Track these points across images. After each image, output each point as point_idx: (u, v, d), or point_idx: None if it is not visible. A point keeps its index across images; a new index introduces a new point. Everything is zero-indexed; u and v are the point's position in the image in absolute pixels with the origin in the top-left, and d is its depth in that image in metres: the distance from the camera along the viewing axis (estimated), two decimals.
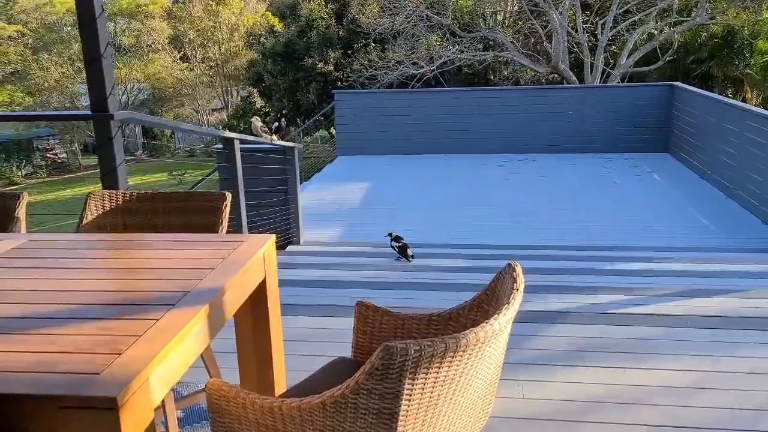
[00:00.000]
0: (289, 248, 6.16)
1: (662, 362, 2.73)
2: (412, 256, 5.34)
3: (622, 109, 11.30)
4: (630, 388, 2.52)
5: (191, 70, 33.37)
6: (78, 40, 31.58)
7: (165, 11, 34.72)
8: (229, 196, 2.23)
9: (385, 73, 15.14)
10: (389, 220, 7.51)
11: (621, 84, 14.85)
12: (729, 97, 14.24)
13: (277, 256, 5.53)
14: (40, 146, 29.77)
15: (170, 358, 1.29)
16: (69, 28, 33.25)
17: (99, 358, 1.22)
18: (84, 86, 32.43)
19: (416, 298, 3.86)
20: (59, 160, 29.30)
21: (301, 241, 6.41)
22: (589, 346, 2.90)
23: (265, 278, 1.92)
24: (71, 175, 28.40)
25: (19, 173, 27.85)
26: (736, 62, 14.59)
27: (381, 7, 16.04)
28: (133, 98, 33.12)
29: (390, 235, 5.48)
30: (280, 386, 2.10)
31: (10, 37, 34.63)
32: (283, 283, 4.23)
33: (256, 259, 1.83)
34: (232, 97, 33.40)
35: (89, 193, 2.25)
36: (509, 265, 1.48)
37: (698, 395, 2.47)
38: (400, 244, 5.36)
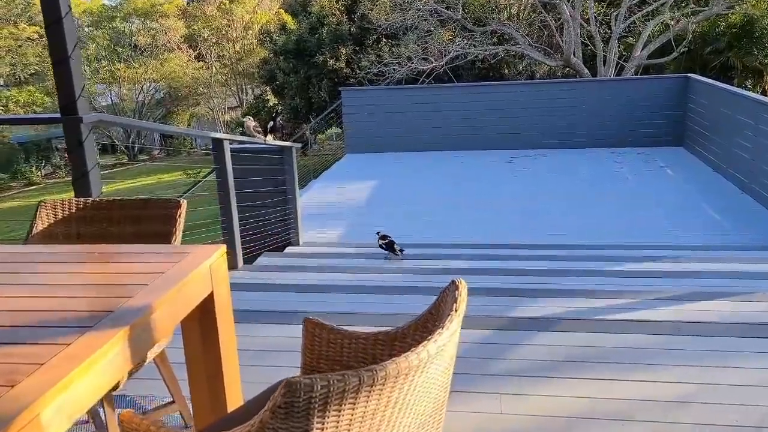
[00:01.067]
0: (288, 249, 6.08)
1: (653, 373, 2.57)
2: (401, 250, 5.38)
3: (636, 102, 11.04)
4: (615, 403, 2.37)
5: (206, 68, 33.51)
6: (94, 41, 31.89)
7: (180, 10, 34.93)
8: (184, 203, 2.13)
9: (394, 69, 14.99)
10: (395, 218, 7.41)
11: (634, 76, 14.53)
12: (748, 88, 13.88)
13: (274, 258, 5.45)
14: (59, 146, 30.05)
15: (74, 389, 1.19)
16: (87, 29, 33.59)
17: None
18: (101, 86, 32.79)
19: (401, 303, 3.73)
20: None
21: (301, 242, 6.32)
22: (577, 356, 2.76)
23: (212, 291, 1.81)
24: None
25: (39, 173, 28.18)
26: (756, 52, 14.20)
27: (391, 3, 15.89)
28: (149, 98, 33.37)
29: (378, 233, 5.50)
30: (235, 401, 1.99)
31: (28, 38, 35.11)
32: (271, 287, 4.16)
33: (199, 272, 1.73)
34: (246, 96, 33.49)
35: (40, 201, 2.16)
36: (452, 282, 1.36)
37: (689, 410, 2.32)
38: (387, 241, 5.39)
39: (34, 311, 1.49)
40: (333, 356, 1.62)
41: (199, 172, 23.98)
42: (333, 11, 18.85)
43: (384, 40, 16.56)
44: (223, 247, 1.90)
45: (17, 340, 1.33)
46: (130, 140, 32.70)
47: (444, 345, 1.19)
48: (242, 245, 5.02)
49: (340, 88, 12.35)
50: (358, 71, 16.10)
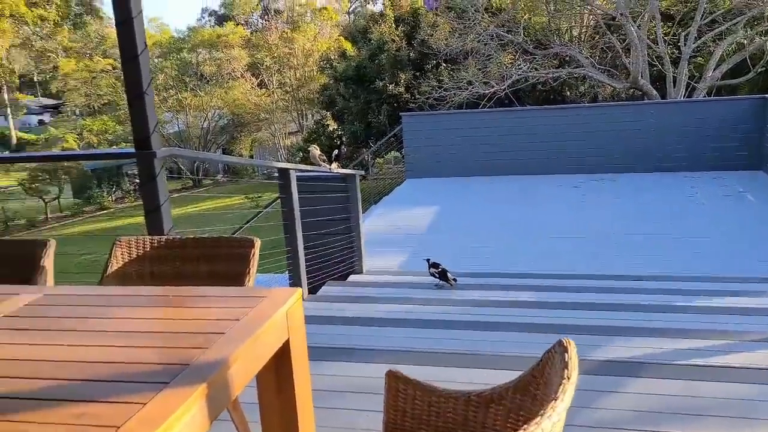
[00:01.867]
0: (351, 278, 6.00)
1: (761, 430, 2.32)
2: (455, 280, 5.27)
3: (709, 124, 10.56)
4: None
5: (268, 95, 34.37)
6: (163, 71, 33.26)
7: (243, 40, 36.09)
8: (257, 242, 2.06)
9: (454, 93, 14.90)
10: (457, 245, 7.26)
11: (707, 98, 13.94)
12: None
13: (338, 286, 5.38)
14: (129, 172, 31.22)
15: None
16: (157, 60, 35.09)
17: None
18: (169, 114, 34.09)
19: (471, 339, 3.56)
20: None
21: (364, 270, 6.23)
22: (671, 407, 2.53)
23: (288, 339, 1.72)
24: None
25: (110, 198, 29.32)
26: None
27: (451, 28, 15.86)
28: (213, 124, 34.44)
29: (428, 261, 5.41)
30: None
31: (102, 70, 36.94)
32: (333, 320, 4.06)
33: (275, 319, 1.63)
34: (306, 121, 34.10)
35: (115, 239, 2.13)
36: (560, 343, 1.21)
37: None
38: (440, 269, 5.29)
39: (106, 363, 1.42)
40: (419, 415, 1.49)
41: (260, 197, 24.46)
42: (393, 37, 18.99)
43: (444, 64, 16.53)
44: (299, 291, 1.81)
45: (89, 397, 1.26)
46: (195, 165, 33.73)
47: (558, 420, 1.04)
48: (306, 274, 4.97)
49: (400, 113, 12.33)
50: (418, 96, 16.09)
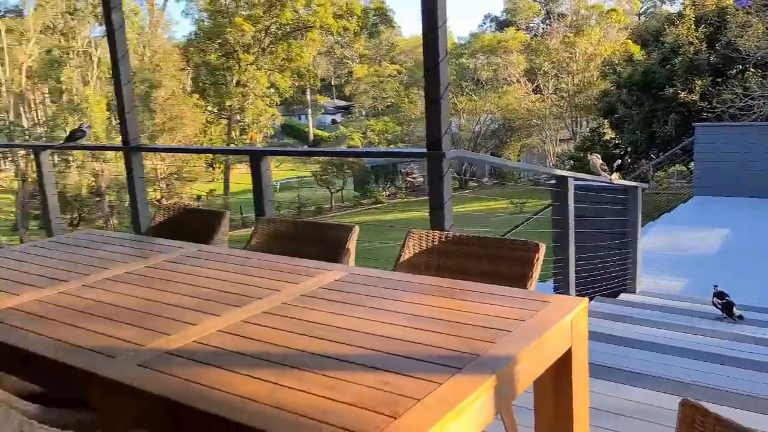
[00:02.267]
0: (622, 296, 5.66)
1: None
2: (740, 317, 4.73)
3: None
4: None
5: (542, 101, 33.98)
6: None
7: (523, 45, 36.19)
8: (542, 247, 2.06)
9: (764, 103, 13.00)
10: (749, 275, 6.37)
11: None
12: None
13: (608, 304, 5.12)
14: (402, 170, 33.58)
15: None
16: None
17: (376, 419, 1.18)
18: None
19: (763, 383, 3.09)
20: (417, 184, 32.66)
21: (637, 290, 5.83)
22: None
23: (571, 347, 1.69)
24: (423, 198, 31.43)
25: (384, 193, 31.88)
26: None
27: (766, 28, 13.86)
28: (485, 128, 35.23)
29: (715, 287, 4.91)
30: None
31: (389, 75, 40.29)
32: (602, 337, 3.88)
33: (560, 326, 1.62)
34: (580, 128, 32.91)
35: (409, 231, 2.32)
36: None
37: None
38: (724, 301, 4.78)
39: (403, 340, 1.56)
40: None
41: (524, 203, 24.33)
42: (691, 39, 17.26)
43: (752, 69, 14.53)
44: (585, 301, 1.77)
45: (392, 369, 1.39)
46: (463, 167, 34.91)
47: None
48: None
49: (694, 124, 11.18)
50: (717, 105, 14.39)
